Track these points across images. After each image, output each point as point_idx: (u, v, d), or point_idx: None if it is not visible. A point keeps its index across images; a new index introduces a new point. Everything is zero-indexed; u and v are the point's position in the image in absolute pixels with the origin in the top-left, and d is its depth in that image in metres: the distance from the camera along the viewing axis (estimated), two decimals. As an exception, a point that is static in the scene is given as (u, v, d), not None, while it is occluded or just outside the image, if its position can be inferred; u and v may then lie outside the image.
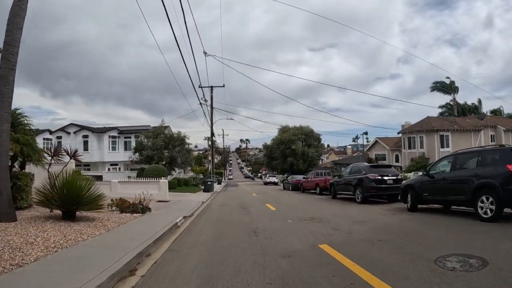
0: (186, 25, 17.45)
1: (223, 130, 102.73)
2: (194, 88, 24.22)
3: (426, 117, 42.80)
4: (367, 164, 19.22)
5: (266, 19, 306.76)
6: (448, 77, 51.92)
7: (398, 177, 17.12)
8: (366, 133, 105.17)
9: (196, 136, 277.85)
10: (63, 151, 13.49)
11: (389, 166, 18.94)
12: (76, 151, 13.90)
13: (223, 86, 41.62)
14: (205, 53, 23.17)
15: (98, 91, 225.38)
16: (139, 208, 12.53)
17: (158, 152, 33.92)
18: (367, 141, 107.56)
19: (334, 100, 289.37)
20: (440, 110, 53.33)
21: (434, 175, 11.80)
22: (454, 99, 53.30)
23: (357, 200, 16.83)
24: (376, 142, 48.59)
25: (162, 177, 26.59)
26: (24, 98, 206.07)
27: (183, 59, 18.82)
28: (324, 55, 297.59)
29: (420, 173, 15.69)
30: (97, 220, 9.74)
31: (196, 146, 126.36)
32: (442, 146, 35.71)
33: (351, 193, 17.90)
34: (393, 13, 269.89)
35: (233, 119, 53.37)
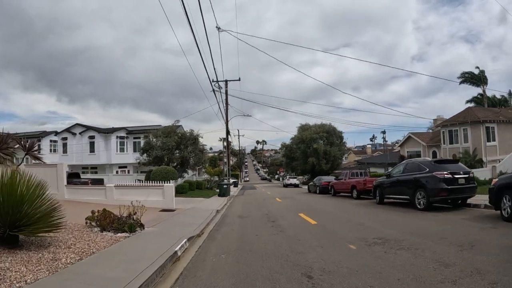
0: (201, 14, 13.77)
1: (238, 130, 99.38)
2: (208, 76, 20.32)
3: (467, 107, 38.63)
4: (428, 159, 15.33)
5: (279, 20, 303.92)
6: (477, 67, 47.70)
7: (470, 175, 13.34)
8: (384, 132, 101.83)
9: (211, 138, 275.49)
10: (15, 142, 9.58)
11: (456, 161, 14.89)
12: (33, 144, 10.13)
13: (239, 79, 37.72)
14: (218, 28, 19.41)
15: (114, 95, 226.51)
16: (127, 224, 8.80)
17: (168, 153, 30.22)
18: (385, 140, 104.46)
19: (349, 100, 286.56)
20: (468, 105, 48.94)
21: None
22: (483, 91, 48.81)
23: (418, 206, 12.98)
24: (409, 137, 43.77)
25: (171, 180, 23.09)
26: (41, 103, 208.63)
27: (197, 44, 15.16)
28: (338, 55, 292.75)
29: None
30: (52, 247, 6.24)
31: (211, 148, 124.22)
32: (488, 140, 31.59)
33: (407, 197, 14.04)
34: (406, 10, 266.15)
35: (250, 116, 49.64)
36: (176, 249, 6.57)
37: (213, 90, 23.59)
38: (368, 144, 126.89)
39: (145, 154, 31.63)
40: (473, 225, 9.02)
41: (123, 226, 8.73)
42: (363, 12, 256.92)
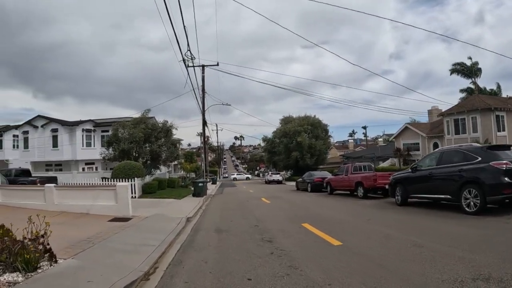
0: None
1: (216, 125, 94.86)
2: (178, 43, 16.11)
3: (474, 95, 35.21)
4: (477, 144, 11.72)
5: (258, 17, 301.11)
6: (470, 57, 44.65)
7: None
8: (364, 128, 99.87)
9: (189, 135, 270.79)
10: None
11: (508, 147, 11.22)
12: None
13: (217, 64, 33.76)
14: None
15: (90, 92, 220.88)
16: (21, 257, 4.98)
17: (136, 146, 25.88)
18: (365, 136, 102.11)
19: (326, 96, 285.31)
20: (461, 95, 45.85)
21: None
22: (475, 83, 45.86)
23: (467, 208, 9.44)
24: (405, 128, 39.77)
25: (135, 178, 19.17)
26: (16, 100, 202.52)
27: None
28: (316, 52, 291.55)
29: None
30: None
31: (189, 145, 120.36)
32: (499, 130, 27.98)
33: (447, 196, 10.35)
34: (384, 9, 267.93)
35: (230, 105, 44.54)
36: None
37: (183, 60, 18.58)
38: (349, 139, 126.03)
39: (111, 148, 27.21)
40: None
41: (15, 261, 4.90)
42: (341, 10, 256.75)
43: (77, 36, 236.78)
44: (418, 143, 36.66)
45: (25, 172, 23.40)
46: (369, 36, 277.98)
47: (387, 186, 15.33)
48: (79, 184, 22.02)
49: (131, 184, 18.99)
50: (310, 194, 22.98)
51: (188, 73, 19.42)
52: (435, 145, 32.65)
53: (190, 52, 17.72)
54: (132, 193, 18.93)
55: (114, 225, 9.53)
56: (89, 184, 21.09)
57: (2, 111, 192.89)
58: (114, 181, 19.04)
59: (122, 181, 19.02)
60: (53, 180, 22.76)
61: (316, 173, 27.39)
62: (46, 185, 13.39)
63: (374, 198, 16.09)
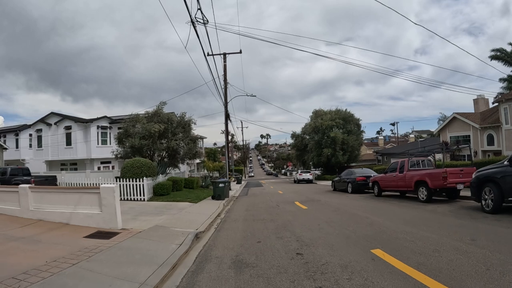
0: None
1: (242, 122, 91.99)
2: (188, 9, 12.60)
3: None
4: None
5: (281, 16, 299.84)
6: (510, 43, 40.10)
7: None
8: (393, 124, 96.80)
9: (214, 133, 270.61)
10: None
11: None
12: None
13: (240, 52, 30.46)
14: None
15: (118, 93, 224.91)
16: None
17: (150, 141, 22.60)
18: (392, 133, 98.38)
19: (352, 94, 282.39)
20: (501, 84, 41.22)
21: None
22: None
23: None
24: (453, 119, 34.85)
25: (144, 178, 16.27)
26: (45, 103, 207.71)
27: None
28: (341, 49, 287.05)
29: None
30: None
31: (215, 144, 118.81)
32: None
33: None
34: (408, 4, 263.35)
35: (255, 96, 40.69)
36: None
37: (192, 22, 13.71)
38: (378, 136, 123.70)
39: (122, 145, 24.01)
40: None
41: None
42: (365, 6, 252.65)
43: (103, 40, 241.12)
44: (468, 136, 32.15)
45: (24, 171, 20.67)
46: (393, 32, 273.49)
47: (458, 186, 12.06)
48: (86, 184, 19.51)
49: (140, 185, 16.23)
50: (353, 196, 18.94)
51: (198, 35, 14.78)
52: (490, 137, 28.47)
53: (201, 12, 13.91)
54: (140, 195, 16.25)
55: (86, 245, 6.39)
56: (92, 184, 18.42)
57: (33, 114, 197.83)
58: (123, 181, 16.32)
59: (129, 181, 16.24)
60: (52, 180, 19.97)
61: (357, 170, 23.20)
62: (20, 186, 10.38)
63: (441, 202, 12.56)
